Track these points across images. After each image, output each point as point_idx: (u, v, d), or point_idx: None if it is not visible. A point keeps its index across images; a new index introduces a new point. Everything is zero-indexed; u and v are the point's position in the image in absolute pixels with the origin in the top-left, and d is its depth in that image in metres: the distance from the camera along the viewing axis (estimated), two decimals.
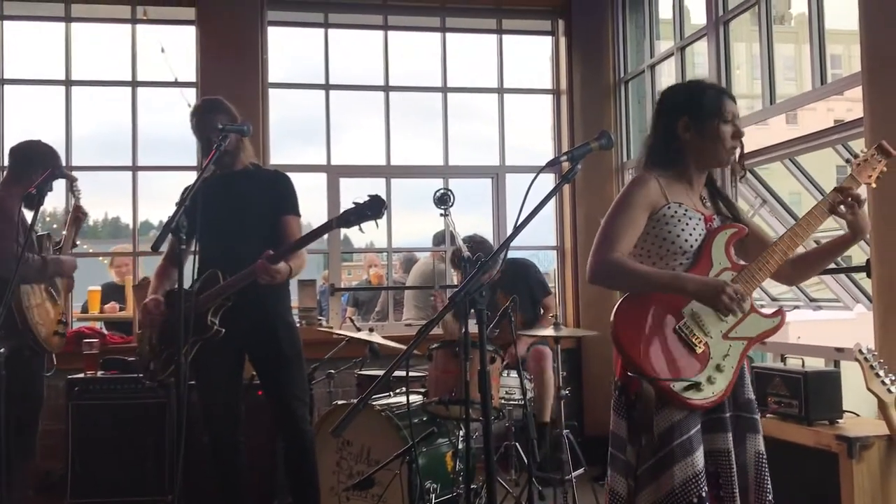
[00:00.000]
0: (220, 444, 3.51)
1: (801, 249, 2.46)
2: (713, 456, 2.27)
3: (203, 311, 3.32)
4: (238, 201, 3.49)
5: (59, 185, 4.28)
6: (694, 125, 2.38)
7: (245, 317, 3.38)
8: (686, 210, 2.36)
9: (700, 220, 2.37)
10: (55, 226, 4.35)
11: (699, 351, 2.26)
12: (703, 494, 2.17)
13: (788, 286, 2.67)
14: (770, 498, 2.33)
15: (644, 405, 2.29)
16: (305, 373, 3.69)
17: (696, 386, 2.21)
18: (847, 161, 2.51)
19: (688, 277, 2.28)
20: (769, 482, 2.34)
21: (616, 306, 2.32)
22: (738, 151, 2.43)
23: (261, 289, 3.30)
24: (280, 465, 4.66)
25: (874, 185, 2.45)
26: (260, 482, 4.45)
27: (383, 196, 3.14)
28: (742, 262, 2.38)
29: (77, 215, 4.20)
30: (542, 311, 5.12)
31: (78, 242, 4.33)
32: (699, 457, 2.21)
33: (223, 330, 3.33)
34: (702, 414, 2.26)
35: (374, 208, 3.04)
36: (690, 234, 2.34)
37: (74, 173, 5.47)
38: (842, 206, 2.34)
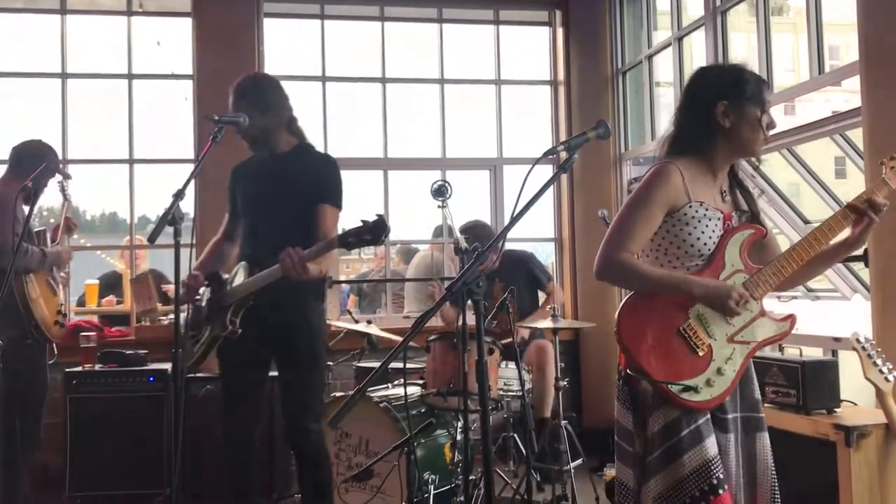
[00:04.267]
0: (233, 438, 3.41)
1: None
2: None
3: (225, 307, 3.25)
4: (277, 183, 3.35)
5: (53, 183, 4.27)
6: (734, 112, 2.29)
7: (266, 317, 3.25)
8: (707, 210, 2.29)
9: (719, 219, 2.30)
10: (52, 220, 4.35)
11: (701, 353, 2.24)
12: (716, 480, 2.16)
13: (779, 291, 2.65)
14: (777, 493, 2.34)
15: (642, 402, 2.29)
16: (320, 380, 3.46)
17: (693, 388, 2.20)
18: (881, 163, 2.40)
19: (695, 281, 2.24)
20: (776, 477, 2.35)
21: (622, 303, 2.30)
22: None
23: (281, 290, 3.15)
24: (279, 457, 4.68)
25: None
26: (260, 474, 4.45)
27: (381, 197, 3.04)
28: (755, 266, 2.32)
29: (69, 225, 4.22)
30: (545, 297, 5.06)
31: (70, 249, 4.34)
32: (711, 444, 2.19)
33: (239, 331, 3.22)
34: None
35: (374, 233, 2.85)
36: (709, 237, 2.28)
37: (70, 166, 5.51)
38: (870, 211, 2.27)
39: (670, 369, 2.21)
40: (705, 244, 2.28)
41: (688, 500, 2.17)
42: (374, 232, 2.84)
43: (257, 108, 3.31)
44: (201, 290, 3.42)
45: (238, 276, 3.33)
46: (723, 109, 2.29)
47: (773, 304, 5.42)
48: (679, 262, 2.31)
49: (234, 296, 3.26)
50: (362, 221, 2.88)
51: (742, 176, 2.47)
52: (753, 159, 2.49)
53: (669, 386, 2.19)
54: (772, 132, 2.37)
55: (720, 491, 2.16)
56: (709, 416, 2.24)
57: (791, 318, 2.34)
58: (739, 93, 2.29)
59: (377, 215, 2.85)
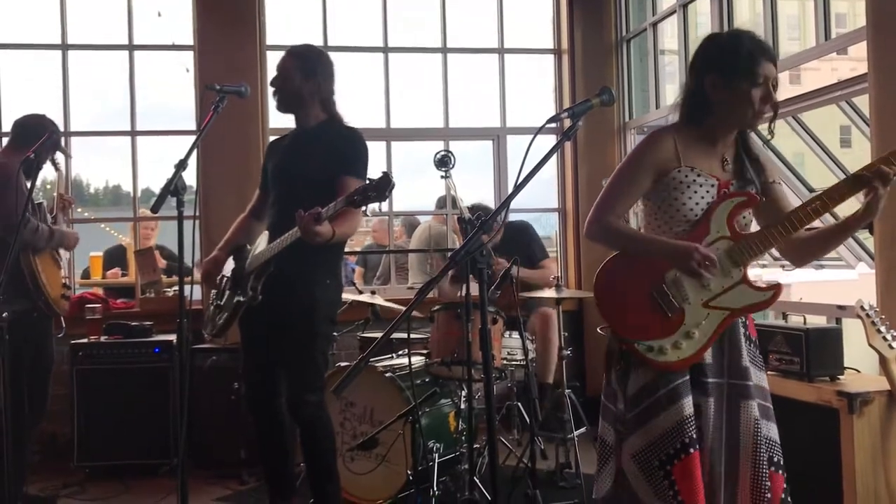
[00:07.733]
0: (256, 410, 3.43)
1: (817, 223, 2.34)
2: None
3: (247, 274, 3.30)
4: (301, 155, 3.37)
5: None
6: (723, 84, 2.24)
7: (273, 287, 3.27)
8: (698, 175, 2.27)
9: (713, 185, 2.28)
10: (55, 194, 4.33)
11: (672, 315, 2.25)
12: (691, 437, 2.19)
13: (796, 266, 2.64)
14: (765, 470, 2.26)
15: (606, 358, 2.38)
16: (320, 353, 3.37)
17: (658, 349, 2.23)
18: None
19: (662, 242, 2.28)
20: (764, 451, 2.27)
21: (603, 263, 2.37)
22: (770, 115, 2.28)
23: (292, 262, 3.18)
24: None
25: None
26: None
27: (382, 164, 3.01)
28: (742, 233, 2.29)
29: (63, 203, 4.18)
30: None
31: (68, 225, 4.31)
32: (687, 403, 2.22)
33: (261, 297, 3.25)
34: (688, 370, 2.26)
35: (379, 189, 2.81)
36: (697, 203, 2.27)
37: (73, 139, 5.50)
38: (876, 181, 2.14)
39: (638, 328, 2.26)
40: (692, 209, 2.28)
41: (663, 458, 2.21)
42: (378, 188, 2.81)
43: (301, 70, 3.37)
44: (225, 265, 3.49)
45: (260, 245, 3.38)
46: (711, 82, 2.27)
47: (777, 275, 5.43)
48: (667, 227, 2.32)
49: (255, 263, 3.31)
50: (368, 180, 2.88)
51: (752, 145, 2.40)
52: (765, 133, 2.46)
53: (636, 344, 2.25)
54: (774, 102, 2.26)
55: (691, 450, 2.19)
56: (688, 376, 2.24)
57: (776, 288, 2.28)
58: (729, 66, 2.23)
59: (382, 172, 2.83)
